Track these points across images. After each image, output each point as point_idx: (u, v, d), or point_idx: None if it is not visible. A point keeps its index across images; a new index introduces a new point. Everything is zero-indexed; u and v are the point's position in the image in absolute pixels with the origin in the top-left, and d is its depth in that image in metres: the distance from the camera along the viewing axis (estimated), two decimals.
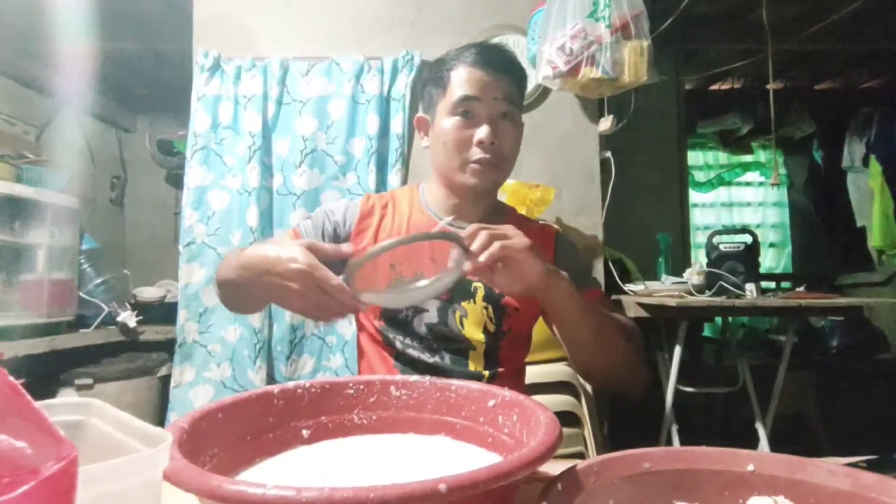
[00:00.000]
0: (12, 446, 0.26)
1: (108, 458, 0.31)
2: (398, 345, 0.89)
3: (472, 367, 0.89)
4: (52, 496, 0.26)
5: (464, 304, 0.90)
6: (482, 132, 0.85)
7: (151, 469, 0.33)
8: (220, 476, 0.33)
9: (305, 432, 0.54)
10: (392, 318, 0.90)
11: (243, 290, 0.78)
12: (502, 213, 0.99)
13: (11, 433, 0.26)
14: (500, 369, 0.90)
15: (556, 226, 1.00)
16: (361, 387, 0.57)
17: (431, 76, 0.93)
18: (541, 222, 1.10)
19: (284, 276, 0.65)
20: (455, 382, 0.57)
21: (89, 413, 0.41)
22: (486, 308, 0.90)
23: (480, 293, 0.90)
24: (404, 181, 1.93)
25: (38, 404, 0.40)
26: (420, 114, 0.97)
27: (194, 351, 1.84)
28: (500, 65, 0.88)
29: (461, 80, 0.87)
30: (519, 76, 0.91)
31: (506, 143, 0.88)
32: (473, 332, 0.89)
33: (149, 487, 0.33)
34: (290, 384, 0.55)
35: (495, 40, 2.01)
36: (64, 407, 0.42)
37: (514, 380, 0.94)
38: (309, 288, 0.63)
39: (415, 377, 0.59)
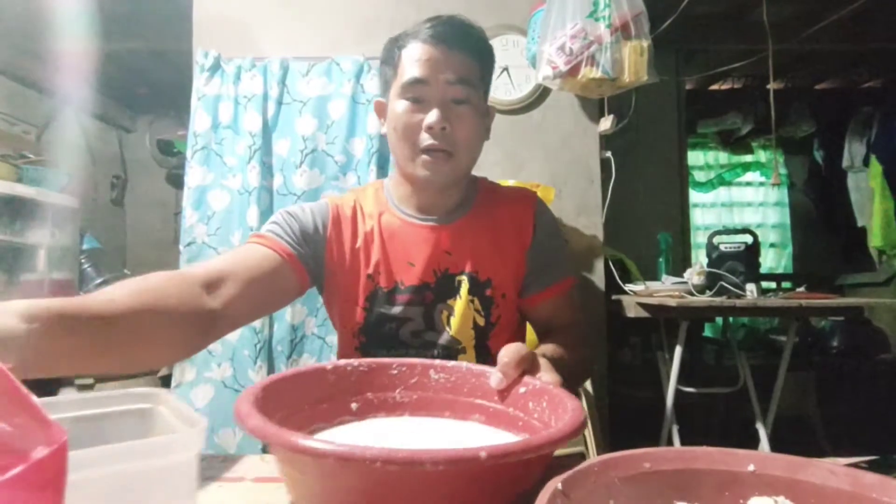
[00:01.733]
0: (1, 431, 0.26)
1: None
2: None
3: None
4: (41, 480, 0.26)
5: (449, 301, 0.84)
6: (431, 117, 0.76)
7: (189, 448, 0.37)
8: (295, 432, 0.38)
9: (354, 405, 0.59)
10: (374, 332, 0.84)
11: None
12: (472, 196, 0.89)
13: (0, 418, 0.26)
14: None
15: (536, 193, 0.93)
16: (404, 368, 0.61)
17: (385, 55, 0.83)
18: (517, 186, 1.01)
19: None
20: (490, 369, 0.60)
21: (157, 402, 0.48)
22: (473, 301, 0.83)
23: (465, 286, 0.83)
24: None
25: (109, 393, 0.46)
26: (379, 97, 0.88)
27: None
28: (455, 41, 0.77)
29: (411, 59, 0.78)
30: (480, 53, 0.81)
31: (460, 130, 0.78)
32: (462, 329, 0.83)
33: (187, 465, 0.37)
34: (342, 361, 0.60)
35: (495, 41, 2.01)
36: (136, 396, 0.49)
37: None
38: None
39: (453, 362, 0.62)
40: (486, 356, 0.85)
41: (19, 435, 0.26)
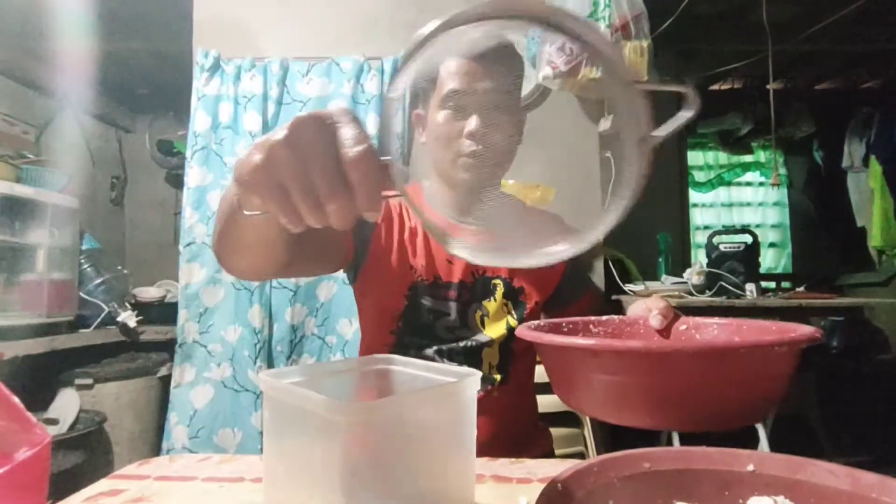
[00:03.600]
0: None
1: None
2: (412, 351, 0.87)
3: (484, 366, 0.89)
4: (24, 481, 0.26)
5: (484, 303, 0.90)
6: (471, 123, 0.82)
7: (466, 390, 0.48)
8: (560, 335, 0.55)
9: None
10: (411, 319, 0.88)
11: (239, 215, 0.48)
12: None
13: None
14: (513, 368, 0.90)
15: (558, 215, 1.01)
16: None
17: (422, 70, 0.90)
18: (543, 211, 1.09)
19: (293, 128, 0.37)
20: (638, 317, 0.71)
21: (391, 364, 0.58)
22: (507, 304, 0.90)
23: (500, 290, 0.90)
24: (406, 180, 1.92)
25: (349, 361, 0.51)
26: (417, 110, 0.94)
27: (194, 351, 1.84)
28: (490, 54, 0.83)
29: (449, 72, 0.83)
30: (512, 64, 0.86)
31: (498, 135, 0.84)
32: (495, 330, 0.89)
33: (467, 405, 0.48)
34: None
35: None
36: (371, 360, 0.59)
37: (523, 385, 0.94)
38: (316, 150, 0.36)
39: (606, 317, 0.70)
40: (508, 354, 0.90)
41: (2, 437, 0.26)
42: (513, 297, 0.90)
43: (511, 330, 0.89)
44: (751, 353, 0.46)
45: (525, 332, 0.56)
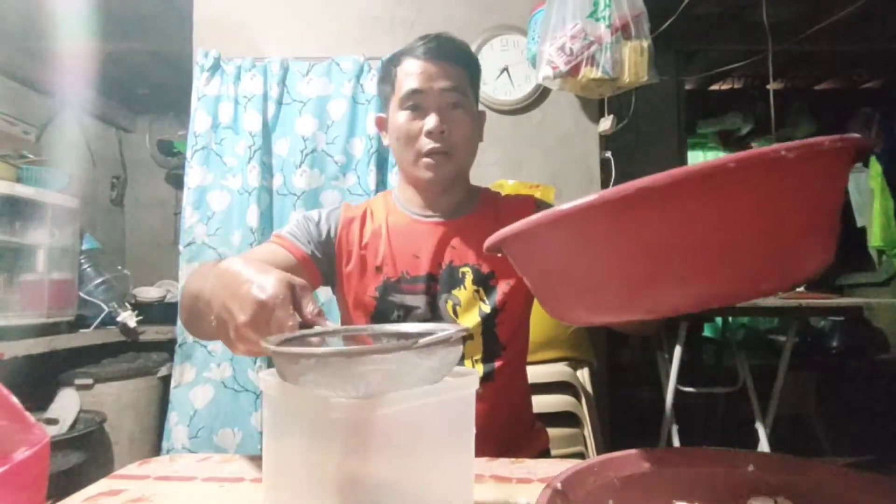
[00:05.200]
0: None
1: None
2: None
3: (466, 360, 0.88)
4: (23, 481, 0.26)
5: (454, 292, 0.89)
6: (430, 122, 0.85)
7: (465, 390, 0.48)
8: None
9: None
10: (383, 320, 0.89)
11: (202, 305, 0.62)
12: (475, 198, 0.97)
13: None
14: (498, 363, 0.88)
15: (534, 195, 1.02)
16: None
17: (382, 74, 0.94)
18: (518, 195, 1.08)
19: (242, 298, 0.51)
20: None
21: None
22: (478, 291, 0.89)
23: (469, 277, 0.89)
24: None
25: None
26: (379, 113, 0.97)
27: (194, 351, 1.84)
28: (445, 54, 0.87)
29: (407, 73, 0.87)
30: (468, 64, 0.90)
31: (457, 132, 0.87)
32: (468, 318, 0.88)
33: (468, 398, 0.48)
34: None
35: (495, 41, 2.02)
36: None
37: (511, 381, 0.92)
38: (258, 323, 0.49)
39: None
40: (494, 342, 0.89)
41: (1, 437, 0.26)
42: (483, 284, 0.89)
43: (487, 317, 0.88)
44: (806, 157, 0.35)
45: (491, 239, 0.46)
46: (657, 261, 0.38)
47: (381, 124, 0.96)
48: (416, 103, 0.86)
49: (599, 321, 0.48)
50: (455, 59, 0.88)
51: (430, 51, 0.86)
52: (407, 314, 0.89)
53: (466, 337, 0.86)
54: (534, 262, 0.46)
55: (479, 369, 0.88)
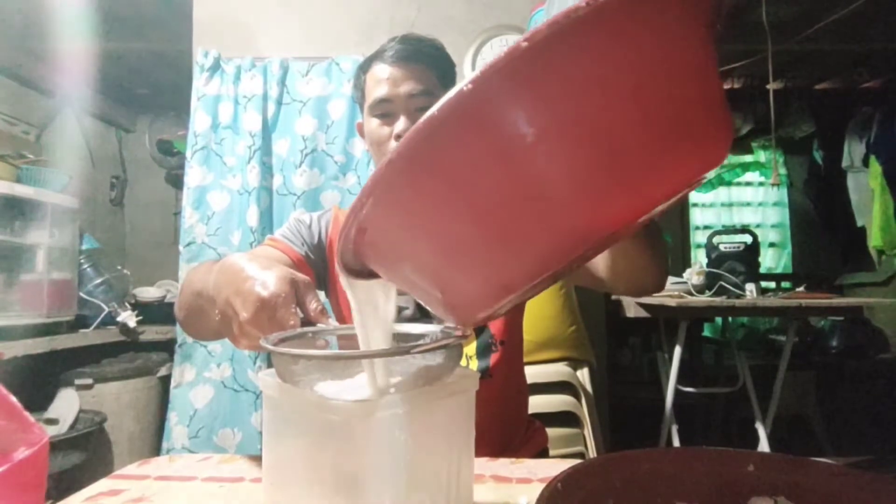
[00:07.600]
0: None
1: None
2: None
3: (461, 359, 0.88)
4: (23, 481, 0.26)
5: None
6: (399, 126, 0.84)
7: (465, 390, 0.48)
8: None
9: None
10: None
11: (204, 302, 0.62)
12: None
13: None
14: (494, 357, 0.88)
15: None
16: None
17: (354, 81, 0.94)
18: None
19: (245, 295, 0.51)
20: None
21: None
22: None
23: None
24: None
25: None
26: (359, 120, 0.97)
27: (194, 351, 1.84)
28: (411, 56, 0.86)
29: (375, 80, 0.86)
30: (436, 62, 0.88)
31: None
32: None
33: (465, 404, 0.48)
34: None
35: (495, 40, 2.01)
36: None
37: (508, 380, 0.92)
38: (260, 320, 0.50)
39: None
40: (488, 337, 0.89)
41: (1, 437, 0.26)
42: None
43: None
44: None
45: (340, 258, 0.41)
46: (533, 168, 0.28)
47: (361, 130, 0.96)
48: (385, 111, 0.86)
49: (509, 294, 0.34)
50: (422, 60, 0.86)
51: (396, 54, 0.85)
52: (396, 315, 0.89)
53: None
54: (401, 244, 0.36)
55: (474, 365, 0.88)
